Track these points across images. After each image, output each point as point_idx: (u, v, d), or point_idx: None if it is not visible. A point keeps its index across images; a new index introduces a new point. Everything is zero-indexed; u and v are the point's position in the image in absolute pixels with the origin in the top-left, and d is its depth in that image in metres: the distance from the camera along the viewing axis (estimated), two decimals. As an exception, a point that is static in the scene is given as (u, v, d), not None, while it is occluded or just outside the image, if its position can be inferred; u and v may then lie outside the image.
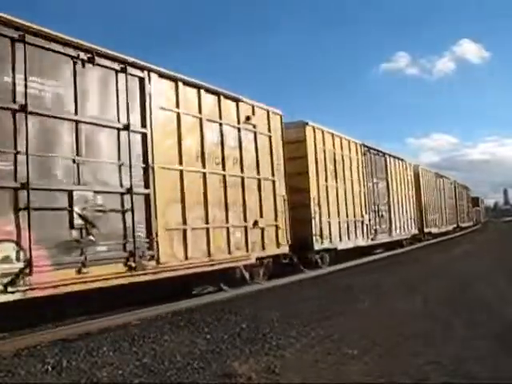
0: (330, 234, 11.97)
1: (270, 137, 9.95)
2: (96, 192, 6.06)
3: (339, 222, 12.50)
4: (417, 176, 21.30)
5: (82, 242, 5.79)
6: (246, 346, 4.88)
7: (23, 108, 5.34)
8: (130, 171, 6.53)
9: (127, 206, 6.46)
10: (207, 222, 7.91)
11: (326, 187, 12.02)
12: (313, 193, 11.31)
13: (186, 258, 7.40)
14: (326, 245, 11.72)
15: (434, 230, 23.71)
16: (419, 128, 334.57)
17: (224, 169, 8.48)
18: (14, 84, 5.32)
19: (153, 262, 6.74)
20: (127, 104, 6.65)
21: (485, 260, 13.87)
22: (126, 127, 6.59)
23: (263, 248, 9.28)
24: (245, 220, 8.84)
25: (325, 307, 6.90)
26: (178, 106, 7.57)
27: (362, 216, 14.00)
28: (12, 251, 5.10)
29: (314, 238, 11.16)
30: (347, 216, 12.99)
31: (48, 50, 5.75)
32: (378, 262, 14.24)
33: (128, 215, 6.45)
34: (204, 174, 7.99)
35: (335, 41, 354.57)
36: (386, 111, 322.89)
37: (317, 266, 11.79)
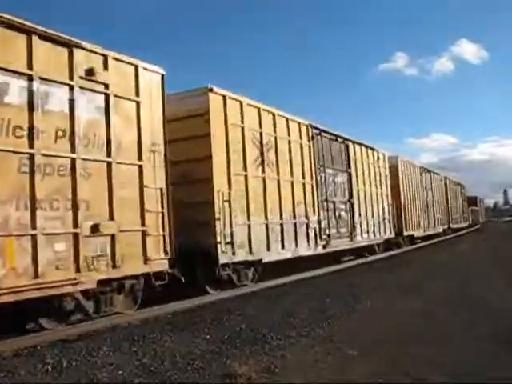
0: (250, 242, 8.87)
1: (137, 103, 6.90)
2: None
3: (267, 225, 9.41)
4: (395, 169, 18.16)
5: None
6: (245, 346, 4.83)
7: None
8: None
9: None
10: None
11: (245, 178, 8.93)
12: (218, 185, 8.23)
13: None
14: (241, 256, 8.62)
15: (419, 233, 20.54)
16: (419, 128, 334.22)
17: (32, 145, 5.45)
18: None
19: None
20: None
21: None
22: None
23: (114, 266, 6.21)
24: (75, 224, 5.79)
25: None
26: None
27: (307, 217, 10.90)
28: None
29: (219, 247, 8.08)
30: (281, 216, 9.89)
31: None
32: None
33: None
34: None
35: (335, 41, 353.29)
36: (385, 111, 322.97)
37: (233, 284, 8.74)
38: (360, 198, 14.02)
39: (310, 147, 11.41)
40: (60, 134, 5.80)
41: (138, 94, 6.88)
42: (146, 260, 6.66)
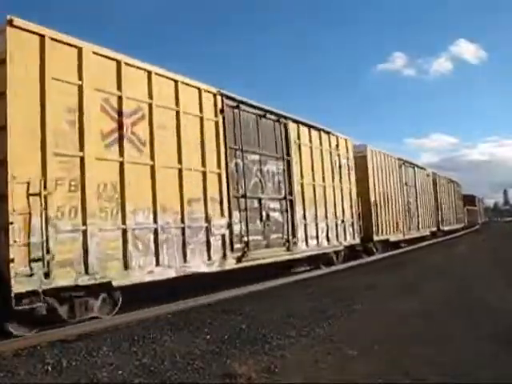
0: (87, 257, 5.84)
1: None
2: None
3: (125, 232, 6.36)
4: (363, 160, 15.10)
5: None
6: (245, 346, 4.81)
7: None
8: None
9: None
10: None
11: (82, 161, 5.89)
12: (20, 170, 5.19)
13: None
14: (66, 280, 5.56)
15: (396, 237, 17.44)
16: (418, 128, 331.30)
17: None
18: None
19: None
20: None
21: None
22: None
23: None
24: None
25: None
26: None
27: (208, 220, 7.85)
28: None
29: (12, 266, 5.06)
30: (155, 219, 6.85)
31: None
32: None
33: None
34: None
35: (335, 41, 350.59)
36: (385, 112, 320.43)
37: (64, 321, 5.77)
38: (305, 194, 10.92)
39: (218, 123, 8.39)
40: None
41: None
42: None
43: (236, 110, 8.93)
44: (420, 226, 20.67)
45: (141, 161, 6.75)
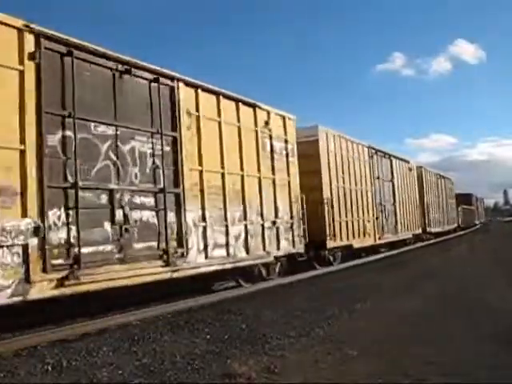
0: None
1: None
2: None
3: None
4: (313, 146, 12.06)
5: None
6: (245, 346, 4.84)
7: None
8: None
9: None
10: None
11: None
12: None
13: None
14: None
15: (363, 243, 14.33)
16: (418, 128, 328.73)
17: None
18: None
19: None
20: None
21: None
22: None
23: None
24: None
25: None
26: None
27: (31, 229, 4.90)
28: None
29: None
30: None
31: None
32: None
33: None
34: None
35: (335, 41, 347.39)
36: (385, 112, 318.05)
37: None
38: (205, 187, 7.82)
39: (23, 75, 5.41)
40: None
41: None
42: None
43: (68, 59, 5.94)
44: (399, 229, 17.55)
45: None
